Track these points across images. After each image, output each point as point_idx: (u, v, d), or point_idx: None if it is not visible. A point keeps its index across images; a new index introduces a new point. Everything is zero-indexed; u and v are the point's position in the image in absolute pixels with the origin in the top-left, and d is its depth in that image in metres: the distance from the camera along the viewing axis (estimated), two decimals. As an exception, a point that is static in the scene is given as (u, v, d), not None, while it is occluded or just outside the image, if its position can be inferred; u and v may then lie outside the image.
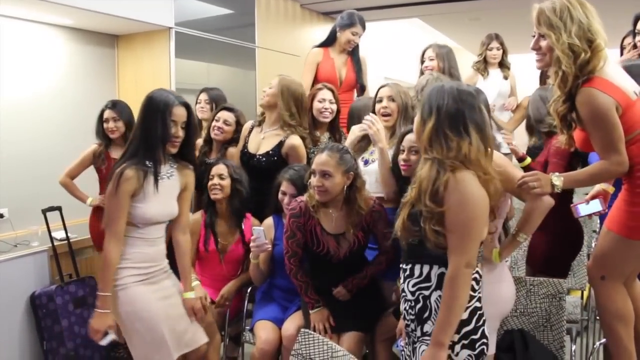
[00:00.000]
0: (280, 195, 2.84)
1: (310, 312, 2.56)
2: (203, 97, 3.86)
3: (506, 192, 2.16)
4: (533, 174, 2.12)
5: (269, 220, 2.95)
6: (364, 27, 3.92)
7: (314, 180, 2.48)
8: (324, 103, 3.26)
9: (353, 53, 4.01)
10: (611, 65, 2.11)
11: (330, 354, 1.99)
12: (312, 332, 2.08)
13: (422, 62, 3.75)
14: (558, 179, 2.12)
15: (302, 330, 2.11)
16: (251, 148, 3.22)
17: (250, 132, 3.30)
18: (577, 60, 2.03)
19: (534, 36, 2.16)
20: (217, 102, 3.80)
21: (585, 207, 2.41)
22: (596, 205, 2.43)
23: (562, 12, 2.05)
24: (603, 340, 2.52)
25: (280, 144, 3.11)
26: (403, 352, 2.07)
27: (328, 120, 3.30)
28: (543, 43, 2.13)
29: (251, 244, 2.74)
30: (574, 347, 2.54)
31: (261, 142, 3.20)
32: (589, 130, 2.10)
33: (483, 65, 4.48)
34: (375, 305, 2.64)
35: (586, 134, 2.14)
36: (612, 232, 2.20)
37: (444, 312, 1.80)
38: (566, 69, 2.04)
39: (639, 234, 2.15)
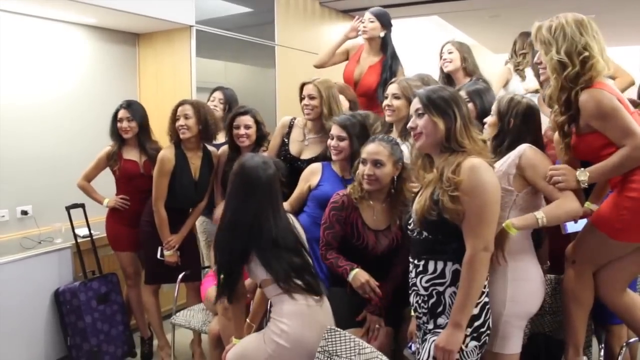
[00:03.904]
0: (328, 140, 2.84)
1: (350, 276, 2.47)
2: (218, 95, 3.84)
3: (539, 190, 2.16)
4: (559, 167, 2.13)
5: (317, 165, 2.95)
6: (379, 18, 3.67)
7: (365, 169, 2.47)
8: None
9: (385, 59, 3.73)
10: (611, 82, 2.23)
11: (357, 351, 1.98)
12: (339, 330, 2.07)
13: (441, 56, 3.75)
14: (583, 174, 2.12)
15: (328, 327, 2.10)
16: (293, 150, 3.20)
17: (289, 128, 3.26)
18: (564, 73, 2.13)
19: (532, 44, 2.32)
20: (231, 103, 3.79)
21: (574, 225, 2.43)
22: (584, 224, 2.43)
23: (556, 30, 2.16)
24: (632, 339, 2.50)
25: (326, 150, 3.07)
26: (415, 354, 2.10)
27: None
28: (543, 58, 2.24)
29: None
30: (601, 346, 2.51)
31: (304, 147, 3.19)
32: (600, 127, 2.12)
33: (523, 65, 4.22)
34: (403, 299, 2.61)
35: (587, 139, 2.18)
36: (597, 229, 2.23)
37: (462, 294, 1.90)
38: (554, 82, 2.17)
39: (622, 235, 2.17)
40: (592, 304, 2.35)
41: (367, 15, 3.71)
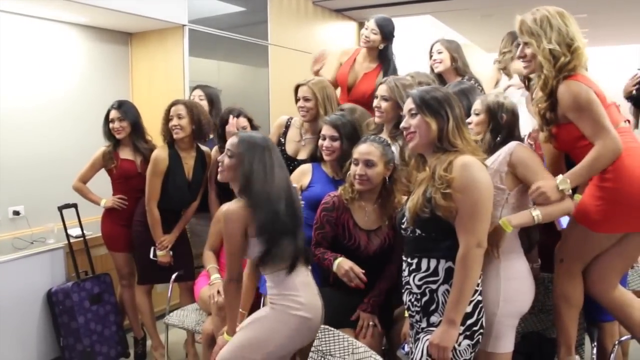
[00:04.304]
0: (320, 141, 2.82)
1: (334, 266, 2.47)
2: (197, 92, 3.80)
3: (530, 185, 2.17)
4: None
5: (307, 166, 2.93)
6: (381, 30, 3.59)
7: (356, 169, 2.48)
8: None
9: (385, 70, 3.63)
10: (590, 73, 2.27)
11: (351, 350, 1.99)
12: (332, 329, 2.07)
13: (431, 56, 3.73)
14: (564, 182, 2.13)
15: (322, 326, 2.10)
16: (289, 150, 3.20)
17: (286, 128, 3.25)
18: (557, 63, 2.16)
19: (519, 45, 2.32)
20: (213, 100, 3.77)
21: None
22: None
23: (541, 21, 2.20)
24: (624, 337, 2.51)
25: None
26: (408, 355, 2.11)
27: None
28: (528, 51, 2.26)
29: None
30: (594, 344, 2.52)
31: (301, 147, 3.19)
32: (575, 119, 2.16)
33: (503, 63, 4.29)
34: (393, 300, 2.62)
35: (567, 127, 2.20)
36: (577, 222, 2.26)
37: (456, 291, 1.90)
38: (547, 72, 2.19)
39: (601, 227, 2.20)
40: (582, 304, 2.37)
41: (372, 24, 3.62)
